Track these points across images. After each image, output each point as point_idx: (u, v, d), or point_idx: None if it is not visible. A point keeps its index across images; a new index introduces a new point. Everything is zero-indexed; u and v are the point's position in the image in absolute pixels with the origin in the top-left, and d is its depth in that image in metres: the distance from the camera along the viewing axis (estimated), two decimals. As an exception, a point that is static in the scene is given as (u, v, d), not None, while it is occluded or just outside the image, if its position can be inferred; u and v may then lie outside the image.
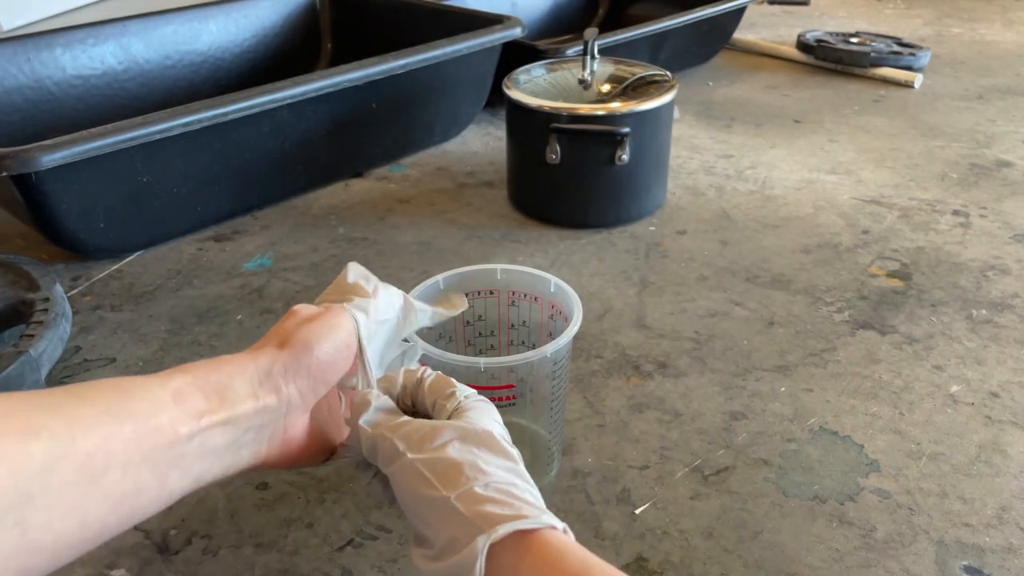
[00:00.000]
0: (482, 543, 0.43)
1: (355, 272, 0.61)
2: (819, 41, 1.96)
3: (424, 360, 0.68)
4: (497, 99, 1.40)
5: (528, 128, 1.17)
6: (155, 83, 1.47)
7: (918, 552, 0.69)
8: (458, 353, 0.75)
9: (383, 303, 0.60)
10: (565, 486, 0.76)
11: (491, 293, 0.78)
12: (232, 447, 0.48)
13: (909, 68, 1.89)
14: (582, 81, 1.21)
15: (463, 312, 0.78)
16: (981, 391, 0.87)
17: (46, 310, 0.88)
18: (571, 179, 1.17)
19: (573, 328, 0.69)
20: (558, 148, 1.14)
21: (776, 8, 2.55)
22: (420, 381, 0.56)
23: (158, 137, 1.05)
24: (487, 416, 0.53)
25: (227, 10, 1.56)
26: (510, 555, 0.43)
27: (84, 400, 0.41)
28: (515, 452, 0.50)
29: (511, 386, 0.67)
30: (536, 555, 0.44)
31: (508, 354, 0.80)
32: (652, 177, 1.22)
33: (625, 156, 1.13)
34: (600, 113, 1.15)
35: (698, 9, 1.74)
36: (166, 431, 0.44)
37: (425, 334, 0.75)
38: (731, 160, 1.46)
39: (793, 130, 1.60)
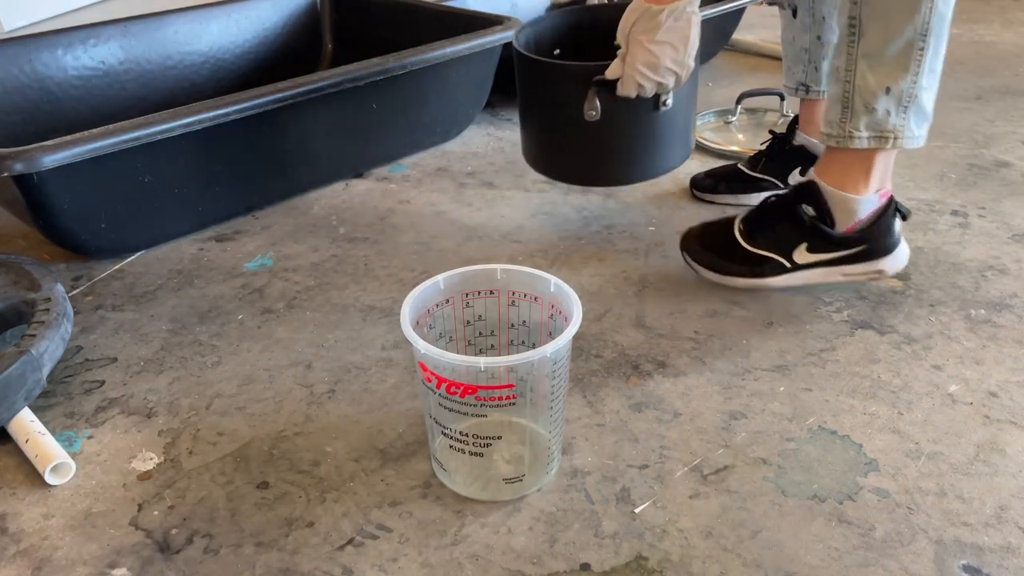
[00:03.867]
0: None
1: None
2: (819, 42, 1.96)
3: (423, 361, 0.68)
4: (498, 99, 1.41)
5: (560, 87, 1.07)
6: (156, 83, 1.47)
7: (917, 551, 0.69)
8: (458, 353, 0.75)
9: None
10: (565, 485, 0.76)
11: (491, 293, 0.78)
12: None
13: (909, 68, 1.89)
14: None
15: (463, 312, 0.79)
16: (980, 391, 0.88)
17: (48, 310, 0.88)
18: (615, 132, 1.07)
19: (573, 328, 0.69)
20: (598, 103, 1.03)
21: (775, 9, 2.56)
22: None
23: (159, 137, 1.05)
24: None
25: (228, 11, 1.56)
26: None
27: None
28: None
29: (511, 385, 0.67)
30: None
31: (508, 354, 0.80)
32: (690, 118, 1.14)
33: (669, 100, 1.05)
34: None
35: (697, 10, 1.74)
36: None
37: (425, 334, 0.76)
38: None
39: (793, 130, 1.60)
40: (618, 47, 0.99)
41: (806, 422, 0.84)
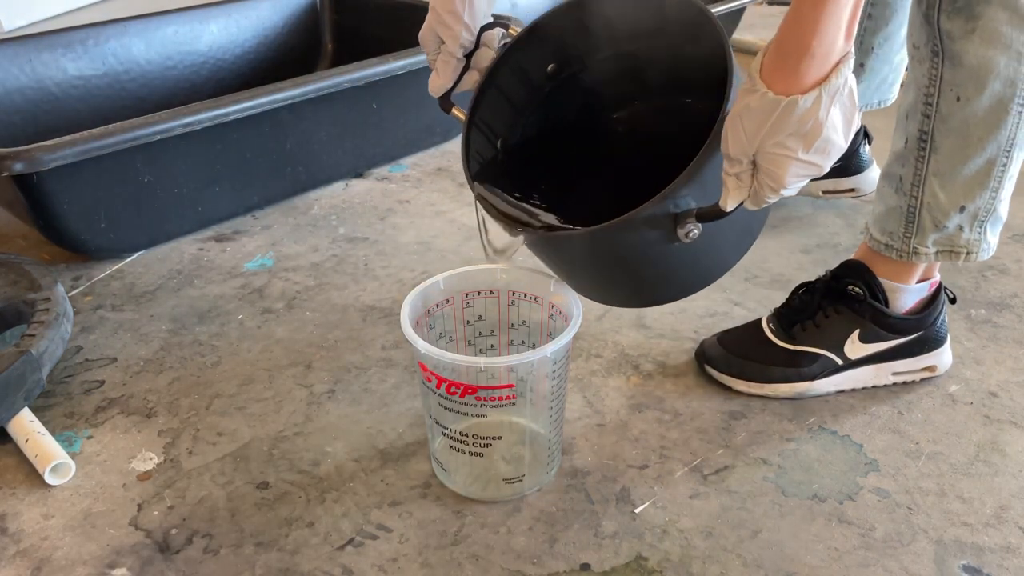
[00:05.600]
0: None
1: None
2: (819, 42, 1.95)
3: (423, 361, 0.68)
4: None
5: (637, 235, 0.64)
6: (156, 84, 1.47)
7: (917, 551, 0.69)
8: (458, 353, 0.75)
9: None
10: (565, 485, 0.76)
11: (491, 293, 0.78)
12: None
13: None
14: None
15: (463, 312, 0.79)
16: (980, 391, 0.88)
17: (47, 310, 0.88)
18: (712, 242, 0.66)
19: (573, 328, 0.69)
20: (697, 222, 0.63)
21: (775, 9, 2.56)
22: None
23: (159, 138, 1.05)
24: None
25: (228, 11, 1.56)
26: None
27: None
28: None
29: (511, 385, 0.67)
30: None
31: (508, 354, 0.80)
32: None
33: None
34: None
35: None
36: None
37: (425, 334, 0.76)
38: (731, 160, 1.46)
39: (793, 130, 1.60)
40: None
41: (806, 422, 0.84)
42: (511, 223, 0.69)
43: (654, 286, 0.73)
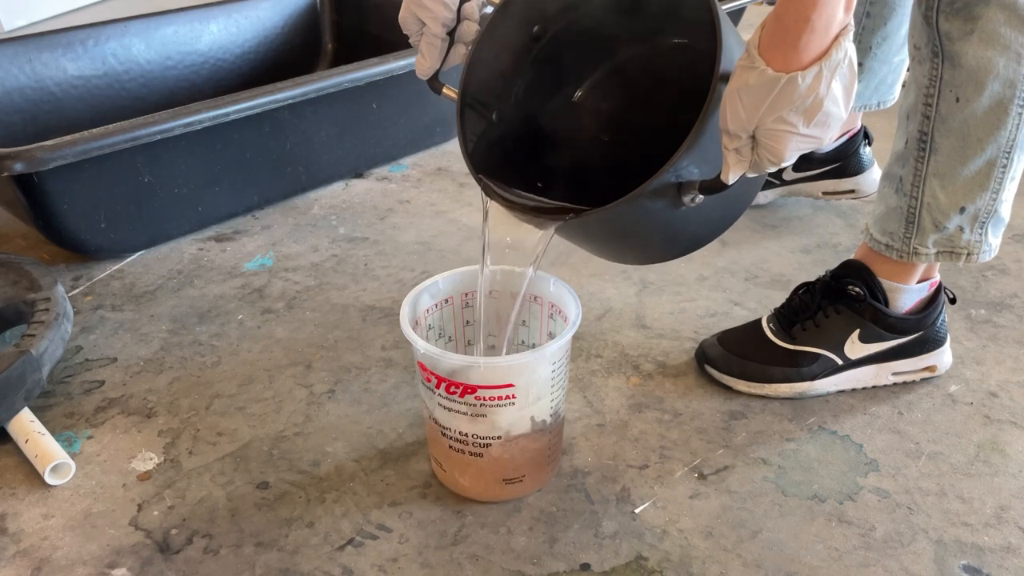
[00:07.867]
0: None
1: None
2: (819, 41, 1.95)
3: (423, 361, 0.68)
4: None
5: (647, 204, 0.65)
6: (156, 84, 1.47)
7: (917, 551, 0.69)
8: (458, 353, 0.75)
9: None
10: (565, 485, 0.76)
11: (491, 294, 0.78)
12: None
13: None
14: None
15: (463, 312, 0.79)
16: (980, 391, 0.88)
17: (47, 310, 0.88)
18: (719, 198, 0.64)
19: (572, 328, 0.69)
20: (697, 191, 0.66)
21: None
22: None
23: (159, 137, 1.05)
24: None
25: (228, 11, 1.56)
26: None
27: None
28: None
29: (511, 385, 0.67)
30: None
31: (508, 354, 0.80)
32: None
33: None
34: None
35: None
36: None
37: (425, 334, 0.75)
38: (731, 160, 1.46)
39: (793, 130, 1.60)
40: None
41: (806, 422, 0.84)
42: (537, 219, 0.69)
43: (666, 245, 0.73)
